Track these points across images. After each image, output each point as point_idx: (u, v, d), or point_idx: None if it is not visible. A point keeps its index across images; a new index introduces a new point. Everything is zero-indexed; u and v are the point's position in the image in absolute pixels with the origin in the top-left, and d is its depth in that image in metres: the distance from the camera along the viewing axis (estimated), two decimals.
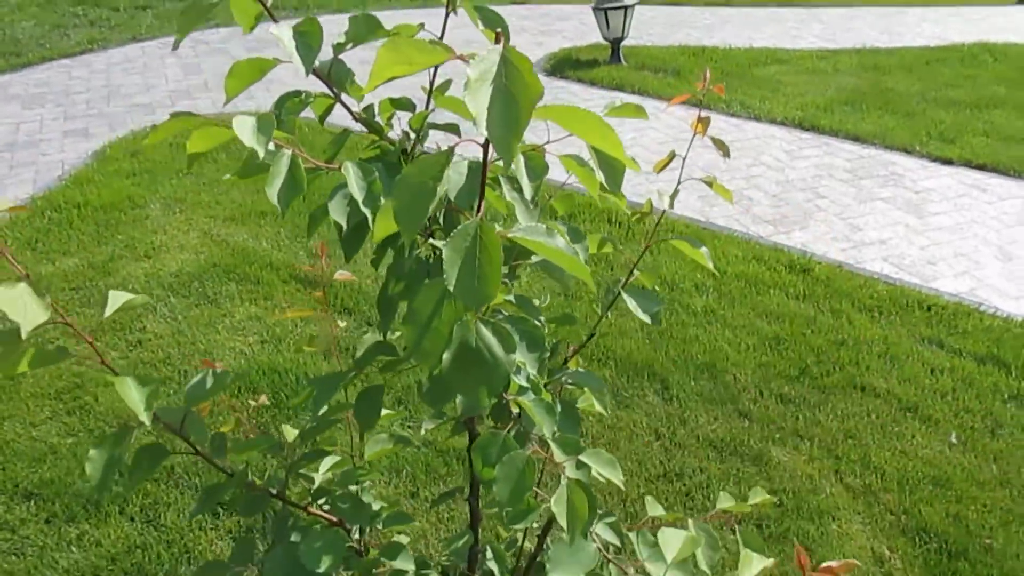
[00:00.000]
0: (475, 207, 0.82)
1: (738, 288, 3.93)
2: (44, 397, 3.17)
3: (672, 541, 1.09)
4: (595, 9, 7.21)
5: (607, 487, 2.79)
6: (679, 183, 1.49)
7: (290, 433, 1.32)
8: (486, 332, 0.79)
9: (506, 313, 0.94)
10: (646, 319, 1.29)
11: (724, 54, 7.53)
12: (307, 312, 1.34)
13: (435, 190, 0.71)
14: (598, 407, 1.40)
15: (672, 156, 1.44)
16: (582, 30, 8.19)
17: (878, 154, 5.54)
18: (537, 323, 0.95)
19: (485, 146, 0.80)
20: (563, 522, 0.93)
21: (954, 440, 3.06)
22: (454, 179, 0.91)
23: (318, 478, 1.16)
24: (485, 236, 0.70)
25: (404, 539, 1.26)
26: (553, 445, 0.98)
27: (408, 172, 0.73)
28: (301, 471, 1.15)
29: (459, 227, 0.70)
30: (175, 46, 0.94)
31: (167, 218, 4.48)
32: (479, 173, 0.88)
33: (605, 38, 7.29)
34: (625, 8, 7.07)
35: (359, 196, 0.87)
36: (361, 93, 1.00)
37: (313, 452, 1.16)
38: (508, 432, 0.97)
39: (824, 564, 0.93)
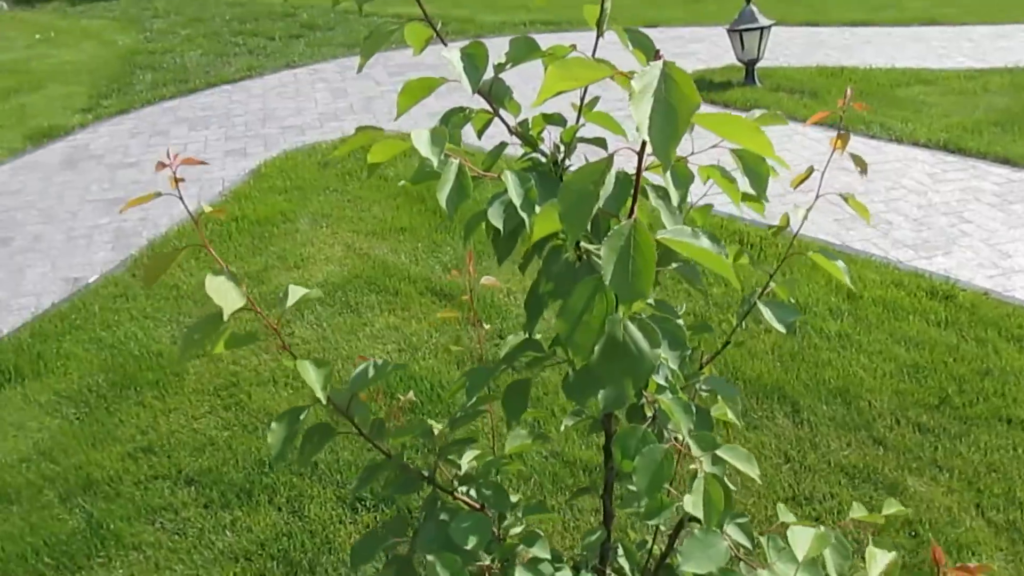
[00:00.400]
0: (629, 211, 0.89)
1: (875, 313, 3.83)
2: (204, 393, 3.46)
3: (801, 539, 1.13)
4: (730, 31, 7.17)
5: (742, 502, 2.79)
6: (817, 197, 1.52)
7: (435, 428, 1.43)
8: (632, 328, 0.87)
9: (647, 315, 1.01)
10: (781, 328, 1.33)
11: (864, 75, 7.31)
12: (453, 314, 1.45)
13: (597, 194, 0.79)
14: (731, 416, 1.45)
15: (810, 172, 1.48)
16: (716, 52, 8.14)
17: None
18: (679, 323, 1.01)
19: (640, 152, 0.88)
20: (699, 513, 0.99)
21: None
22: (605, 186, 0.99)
23: (464, 465, 1.26)
24: (639, 236, 0.78)
25: (539, 532, 1.34)
26: (690, 441, 1.04)
27: (572, 178, 0.81)
28: (449, 456, 1.26)
29: (615, 228, 0.78)
30: (359, 68, 1.06)
31: (314, 232, 4.78)
32: (628, 182, 0.96)
33: (740, 59, 7.23)
34: (761, 29, 7.00)
35: (517, 201, 0.96)
36: (518, 109, 1.11)
37: (460, 440, 1.26)
38: (647, 427, 1.04)
39: (960, 564, 0.94)
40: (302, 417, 1.14)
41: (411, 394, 1.44)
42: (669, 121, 0.72)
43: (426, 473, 1.23)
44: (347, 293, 4.13)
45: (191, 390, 3.48)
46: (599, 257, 0.87)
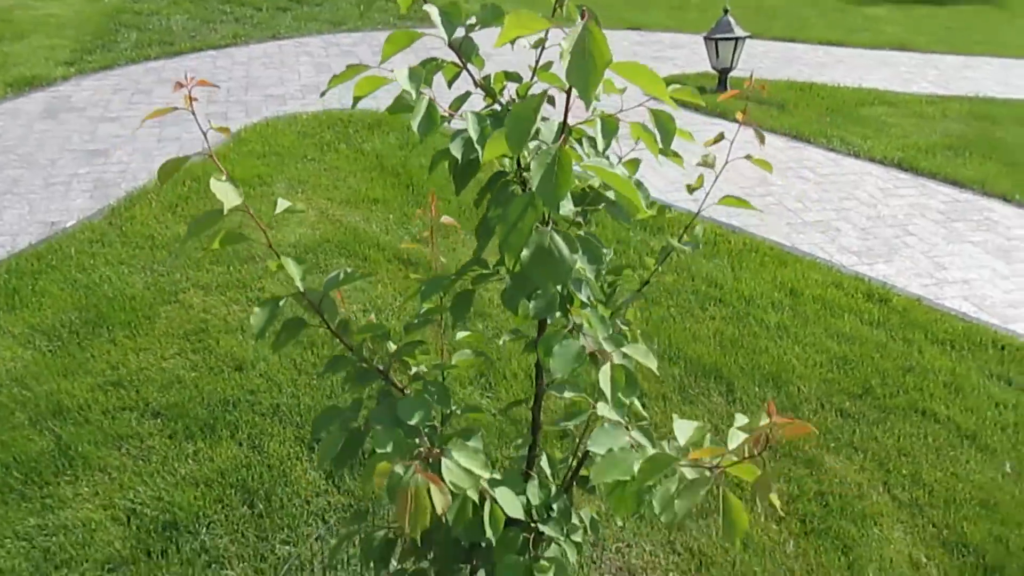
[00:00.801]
0: (559, 142, 1.09)
1: (813, 309, 4.09)
2: (174, 336, 3.61)
3: (685, 428, 1.34)
4: (706, 39, 7.43)
5: None
6: (725, 163, 1.72)
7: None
8: (557, 237, 1.07)
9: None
10: (685, 248, 1.51)
11: (831, 92, 7.61)
12: (415, 245, 1.65)
13: (534, 119, 0.99)
14: (643, 360, 1.65)
15: (720, 137, 1.67)
16: (693, 59, 8.39)
17: (975, 199, 5.56)
18: (598, 243, 1.22)
19: (568, 92, 1.08)
20: (606, 389, 1.19)
21: (1008, 469, 3.15)
22: (545, 132, 1.20)
23: (415, 367, 1.45)
24: (562, 156, 0.98)
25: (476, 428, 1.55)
26: (604, 343, 1.24)
27: (517, 107, 1.01)
28: (403, 357, 1.45)
29: (544, 149, 0.98)
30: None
31: (290, 196, 4.93)
32: (562, 127, 1.16)
33: (714, 67, 7.49)
34: (736, 40, 7.26)
35: (475, 136, 1.16)
36: (482, 64, 1.31)
37: (412, 343, 1.45)
38: (568, 330, 1.24)
39: (788, 416, 1.15)
40: (281, 304, 1.33)
41: (372, 316, 1.62)
42: (587, 67, 0.92)
43: (381, 368, 1.43)
44: (317, 256, 4.30)
45: (161, 333, 3.63)
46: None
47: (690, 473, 1.19)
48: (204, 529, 2.65)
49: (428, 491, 1.08)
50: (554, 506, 1.54)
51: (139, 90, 6.77)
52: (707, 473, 1.18)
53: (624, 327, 1.62)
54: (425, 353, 1.52)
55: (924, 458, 3.17)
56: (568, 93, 1.11)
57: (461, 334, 1.60)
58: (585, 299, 1.26)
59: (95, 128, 5.92)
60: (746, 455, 1.17)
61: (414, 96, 1.13)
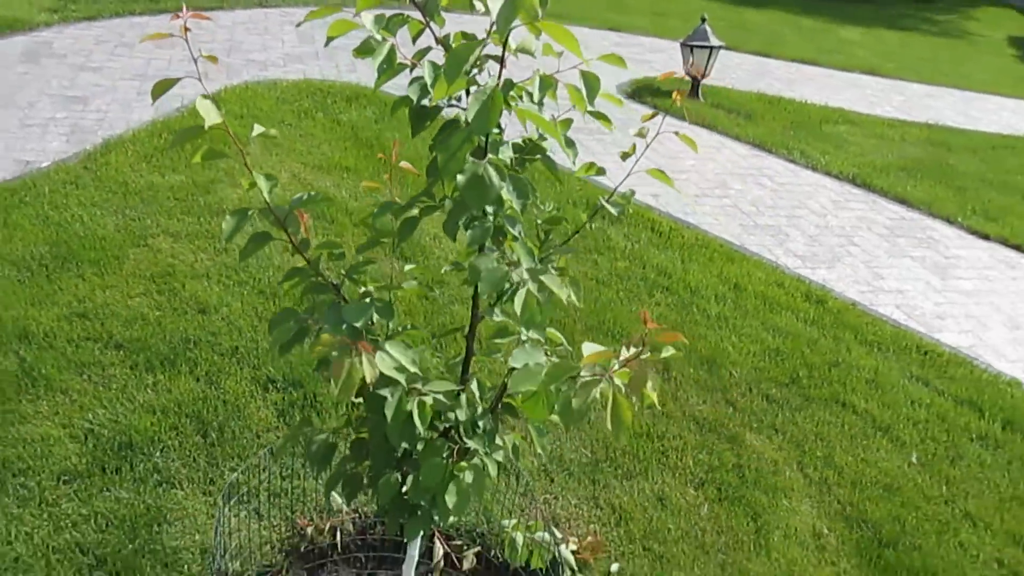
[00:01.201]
0: (496, 85, 1.27)
1: (753, 304, 4.32)
2: (141, 278, 3.74)
3: (591, 348, 1.52)
4: (682, 45, 7.67)
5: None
6: (647, 146, 1.88)
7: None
8: (488, 167, 1.25)
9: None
10: (613, 211, 1.70)
11: (798, 107, 7.89)
12: (375, 185, 1.83)
13: (468, 57, 1.18)
14: (556, 290, 1.81)
15: (654, 114, 1.84)
16: (670, 64, 8.62)
17: (920, 219, 5.85)
18: (526, 180, 1.40)
19: (504, 44, 1.27)
20: (518, 309, 1.37)
21: (914, 460, 3.41)
22: (485, 85, 1.38)
23: (365, 287, 1.63)
24: (495, 94, 1.17)
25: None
26: (526, 274, 1.43)
27: (456, 48, 1.20)
28: (354, 276, 1.62)
29: (482, 87, 1.17)
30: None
31: (264, 158, 5.06)
32: (500, 75, 1.34)
33: (688, 73, 7.72)
34: (711, 48, 7.51)
35: (429, 80, 1.34)
36: (443, 23, 1.49)
37: (364, 262, 1.63)
38: (496, 257, 1.43)
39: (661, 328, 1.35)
40: (249, 214, 1.50)
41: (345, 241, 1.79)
42: (510, 11, 1.10)
43: (335, 282, 1.60)
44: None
45: (129, 273, 3.76)
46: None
47: (586, 376, 1.38)
48: (158, 452, 2.81)
49: (359, 363, 1.27)
50: (480, 423, 1.72)
51: (122, 43, 6.84)
52: (598, 377, 1.37)
53: (554, 271, 1.81)
54: (375, 280, 1.70)
55: (838, 443, 3.41)
56: (504, 46, 1.30)
57: (409, 266, 1.78)
58: (516, 234, 1.44)
59: (75, 76, 5.99)
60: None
61: (379, 39, 1.31)
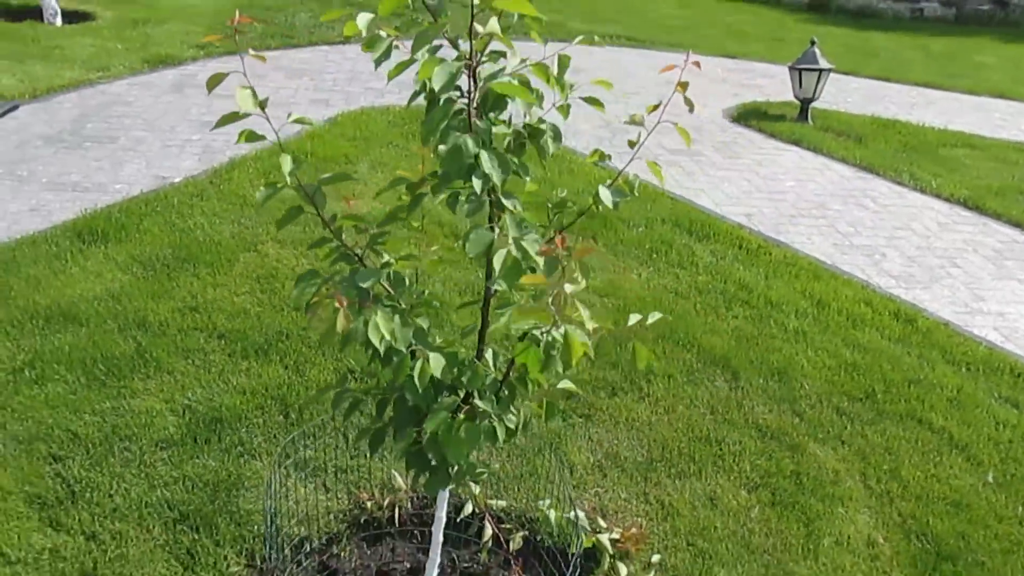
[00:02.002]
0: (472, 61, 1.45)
1: (836, 321, 4.27)
2: (248, 278, 4.12)
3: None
4: (791, 68, 7.61)
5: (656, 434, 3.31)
6: (658, 121, 1.96)
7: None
8: (467, 138, 1.44)
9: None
10: (609, 202, 1.82)
11: (914, 130, 7.64)
12: (407, 174, 2.04)
13: (431, 39, 1.38)
14: (530, 250, 1.94)
15: (656, 106, 1.94)
16: (780, 88, 8.54)
17: None
18: (508, 156, 1.57)
19: (471, 27, 1.45)
20: (497, 267, 1.53)
21: (990, 479, 3.29)
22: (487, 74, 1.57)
23: (387, 256, 1.85)
24: (455, 64, 1.36)
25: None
26: (512, 243, 1.58)
27: (427, 27, 1.40)
28: (375, 247, 1.84)
29: (448, 62, 1.36)
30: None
31: (370, 175, 5.44)
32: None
33: (796, 97, 7.65)
34: (820, 71, 7.42)
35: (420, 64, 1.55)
36: (448, 18, 1.69)
37: (382, 233, 1.85)
38: (488, 225, 1.60)
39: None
40: (279, 187, 1.75)
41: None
42: None
43: (359, 252, 1.83)
44: (384, 225, 4.75)
45: (238, 274, 4.15)
46: None
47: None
48: (244, 428, 3.11)
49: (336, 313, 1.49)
50: (494, 393, 1.89)
51: (255, 75, 7.42)
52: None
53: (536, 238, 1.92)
54: (397, 250, 1.93)
55: (907, 458, 3.34)
56: (471, 32, 1.49)
57: (434, 247, 1.98)
58: (510, 207, 1.61)
59: (211, 103, 6.60)
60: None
61: (364, 33, 1.55)
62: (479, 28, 1.64)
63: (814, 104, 7.67)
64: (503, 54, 1.75)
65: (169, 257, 4.23)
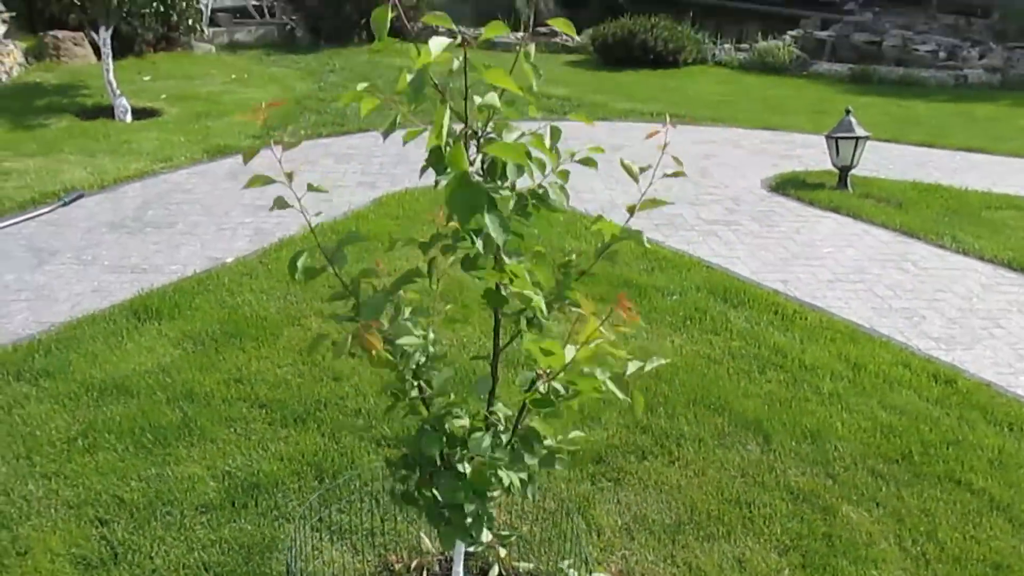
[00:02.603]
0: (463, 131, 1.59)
1: (872, 383, 4.24)
2: (291, 351, 4.30)
3: None
4: (827, 137, 7.69)
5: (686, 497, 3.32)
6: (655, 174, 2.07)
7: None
8: (475, 182, 1.58)
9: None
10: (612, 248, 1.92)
11: (957, 194, 7.60)
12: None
13: (424, 85, 1.54)
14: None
15: (655, 133, 2.03)
16: (820, 158, 8.59)
17: None
18: (505, 219, 1.70)
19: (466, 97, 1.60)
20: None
21: None
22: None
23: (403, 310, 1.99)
24: (440, 110, 1.50)
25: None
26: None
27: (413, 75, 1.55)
28: (390, 299, 1.98)
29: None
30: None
31: (409, 249, 5.62)
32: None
33: (835, 165, 7.70)
34: (856, 139, 7.48)
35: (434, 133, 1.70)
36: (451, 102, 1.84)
37: (401, 281, 2.00)
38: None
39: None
40: (304, 254, 1.92)
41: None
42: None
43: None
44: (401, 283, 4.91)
45: (282, 347, 4.33)
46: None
47: None
48: (280, 493, 3.22)
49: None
50: (507, 445, 1.98)
51: (306, 160, 7.84)
52: None
53: (570, 305, 2.04)
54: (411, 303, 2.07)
55: (945, 519, 3.28)
56: (465, 103, 1.63)
57: (449, 305, 2.11)
58: (512, 263, 1.74)
59: (265, 188, 6.90)
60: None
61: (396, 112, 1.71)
62: (477, 99, 1.79)
63: (854, 172, 7.70)
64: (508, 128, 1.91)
65: (218, 332, 4.44)
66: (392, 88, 1.83)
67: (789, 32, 18.97)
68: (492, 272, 1.80)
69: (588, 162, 1.88)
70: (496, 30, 1.80)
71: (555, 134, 1.79)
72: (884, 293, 5.43)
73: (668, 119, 1.96)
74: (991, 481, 3.52)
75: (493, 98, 1.67)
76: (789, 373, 4.30)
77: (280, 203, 2.01)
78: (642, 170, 1.98)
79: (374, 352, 1.72)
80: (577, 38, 14.83)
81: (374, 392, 3.90)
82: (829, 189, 7.58)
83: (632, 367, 1.88)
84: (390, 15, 1.73)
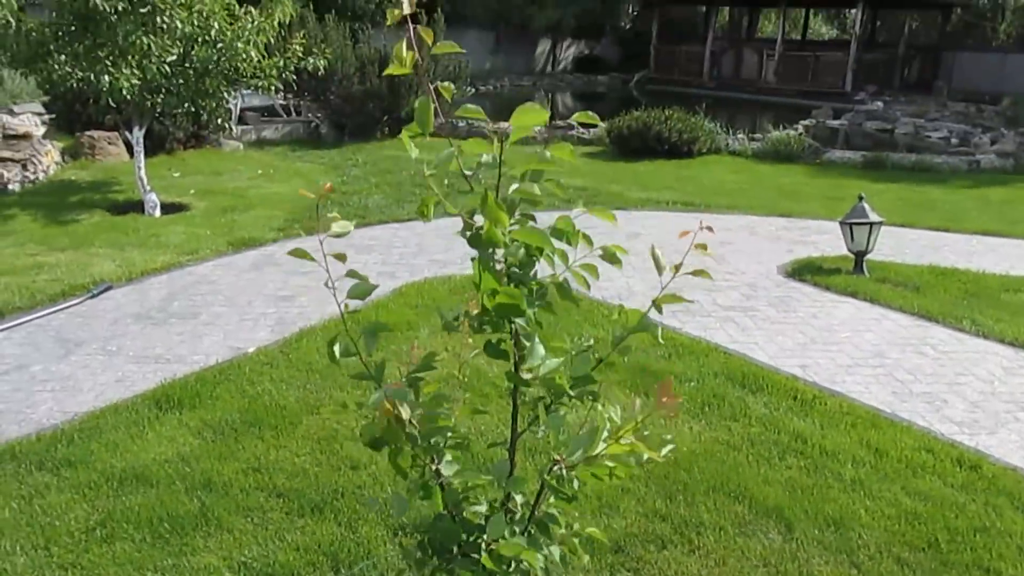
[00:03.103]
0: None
1: (894, 469, 4.18)
2: (309, 440, 4.32)
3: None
4: (842, 223, 7.77)
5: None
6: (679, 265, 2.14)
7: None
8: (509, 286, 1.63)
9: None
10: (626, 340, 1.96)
11: (974, 277, 7.60)
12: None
13: (446, 159, 1.61)
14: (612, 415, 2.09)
15: (686, 233, 2.09)
16: (836, 243, 8.67)
17: None
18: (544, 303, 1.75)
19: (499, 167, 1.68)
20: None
21: None
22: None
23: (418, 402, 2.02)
24: (493, 206, 1.57)
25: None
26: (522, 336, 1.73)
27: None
28: (415, 375, 2.03)
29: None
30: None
31: (430, 340, 5.70)
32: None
33: (850, 250, 7.76)
34: (870, 224, 7.55)
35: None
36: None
37: (424, 367, 2.04)
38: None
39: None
40: (339, 339, 1.97)
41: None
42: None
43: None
44: (447, 384, 4.94)
45: (300, 436, 4.36)
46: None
47: None
48: None
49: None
50: (525, 531, 1.99)
51: (330, 250, 8.00)
52: None
53: (590, 399, 2.07)
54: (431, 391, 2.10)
55: None
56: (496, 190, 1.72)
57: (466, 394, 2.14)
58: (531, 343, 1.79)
59: (287, 279, 7.11)
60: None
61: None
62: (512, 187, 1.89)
63: (869, 256, 7.75)
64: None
65: (237, 421, 4.48)
66: (415, 181, 1.91)
67: (801, 121, 19.38)
68: (508, 345, 1.84)
69: (612, 260, 1.94)
70: (525, 125, 1.83)
71: (566, 227, 1.85)
72: (904, 377, 5.40)
73: (700, 224, 1.99)
74: (1021, 569, 3.43)
75: (529, 186, 1.75)
76: (810, 459, 4.25)
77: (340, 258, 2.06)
78: (675, 269, 2.01)
79: (394, 424, 1.74)
80: (598, 128, 15.22)
81: (391, 481, 3.90)
82: (845, 274, 7.62)
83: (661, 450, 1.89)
84: (432, 107, 1.83)
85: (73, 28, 8.66)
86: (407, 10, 1.78)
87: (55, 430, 4.40)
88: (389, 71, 1.89)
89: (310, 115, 16.15)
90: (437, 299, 6.51)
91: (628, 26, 35.54)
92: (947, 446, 4.44)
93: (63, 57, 8.68)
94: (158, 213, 9.50)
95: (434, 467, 2.16)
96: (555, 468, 1.99)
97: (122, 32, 8.49)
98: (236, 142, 14.34)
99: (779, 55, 26.97)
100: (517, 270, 1.81)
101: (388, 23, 1.88)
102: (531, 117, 1.78)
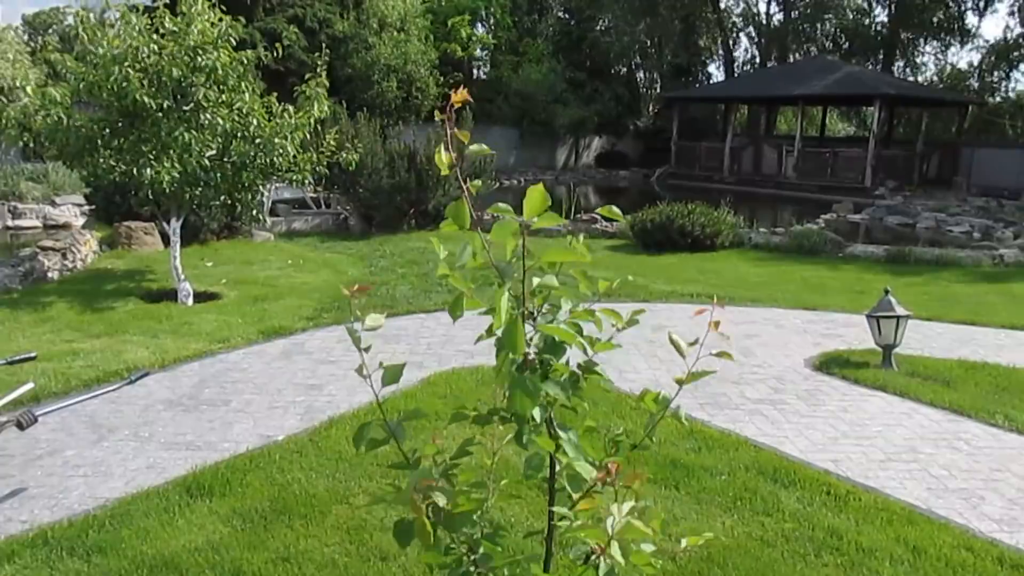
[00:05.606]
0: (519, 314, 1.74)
1: (936, 568, 4.08)
2: (339, 529, 4.31)
3: None
4: (868, 317, 7.78)
5: None
6: (697, 357, 2.19)
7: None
8: (523, 379, 1.69)
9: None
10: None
11: (1005, 372, 7.54)
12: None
13: (463, 252, 1.67)
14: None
15: (701, 312, 2.15)
16: (863, 336, 8.65)
17: None
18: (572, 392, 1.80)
19: (523, 287, 1.75)
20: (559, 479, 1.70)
21: None
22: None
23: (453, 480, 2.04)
24: (514, 321, 1.64)
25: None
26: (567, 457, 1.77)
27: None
28: (449, 473, 2.05)
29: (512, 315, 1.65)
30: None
31: (459, 429, 5.70)
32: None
33: (877, 344, 7.74)
34: (897, 318, 7.56)
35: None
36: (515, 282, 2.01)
37: (458, 455, 2.06)
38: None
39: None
40: (369, 429, 2.01)
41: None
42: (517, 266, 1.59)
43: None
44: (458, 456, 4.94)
45: (330, 525, 4.35)
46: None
47: None
48: None
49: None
50: None
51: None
52: None
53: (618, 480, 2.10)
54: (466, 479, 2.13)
55: None
56: (523, 285, 1.79)
57: (504, 481, 2.17)
58: (566, 437, 1.82)
59: (316, 368, 7.19)
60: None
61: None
62: (535, 281, 1.96)
63: (897, 350, 7.72)
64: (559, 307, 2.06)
65: (267, 509, 4.49)
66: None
67: (822, 215, 19.58)
68: (545, 440, 1.88)
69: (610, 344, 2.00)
70: (548, 219, 1.94)
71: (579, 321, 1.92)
72: (939, 473, 5.32)
73: (716, 299, 2.08)
74: None
75: (551, 280, 1.82)
76: (847, 556, 4.17)
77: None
78: (690, 345, 2.09)
79: (427, 521, 1.76)
80: (621, 222, 15.46)
81: (421, 573, 3.87)
82: (874, 368, 7.58)
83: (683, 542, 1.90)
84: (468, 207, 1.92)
85: (119, 124, 9.06)
86: (449, 119, 1.91)
87: (86, 515, 4.43)
88: (441, 171, 2.00)
89: (339, 207, 16.56)
90: (465, 389, 6.55)
91: (649, 123, 36.46)
92: (987, 544, 4.35)
93: (108, 152, 9.05)
94: (191, 302, 9.70)
95: (472, 557, 2.17)
96: (593, 558, 2.00)
97: (166, 128, 8.88)
98: (267, 233, 14.70)
99: (798, 151, 27.47)
100: (549, 357, 1.86)
101: (437, 118, 2.00)
102: (538, 201, 1.87)
